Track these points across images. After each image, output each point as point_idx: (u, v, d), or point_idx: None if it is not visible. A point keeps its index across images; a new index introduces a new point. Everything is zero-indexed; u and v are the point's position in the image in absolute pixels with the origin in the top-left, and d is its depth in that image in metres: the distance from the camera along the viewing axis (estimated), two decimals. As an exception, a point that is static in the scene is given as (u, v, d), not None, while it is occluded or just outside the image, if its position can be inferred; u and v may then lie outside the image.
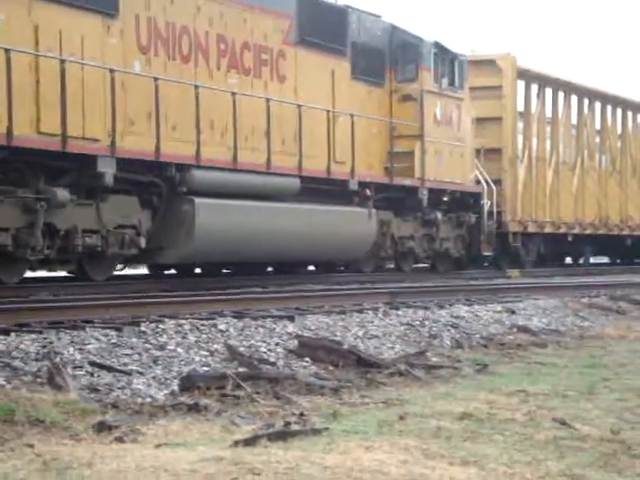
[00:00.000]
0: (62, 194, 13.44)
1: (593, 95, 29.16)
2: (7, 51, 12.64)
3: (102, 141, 14.04)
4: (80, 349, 8.03)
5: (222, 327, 9.61)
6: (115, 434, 5.75)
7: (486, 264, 25.43)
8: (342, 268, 21.45)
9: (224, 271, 19.76)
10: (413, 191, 20.54)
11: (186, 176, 15.30)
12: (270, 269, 20.71)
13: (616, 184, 30.47)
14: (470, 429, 6.05)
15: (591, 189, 28.92)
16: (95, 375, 7.42)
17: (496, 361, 9.70)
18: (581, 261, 31.28)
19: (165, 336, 8.92)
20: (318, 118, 18.04)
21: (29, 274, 15.00)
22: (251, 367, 8.17)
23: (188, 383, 7.44)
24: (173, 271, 19.38)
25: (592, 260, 32.18)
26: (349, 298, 13.27)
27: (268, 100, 16.80)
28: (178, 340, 8.84)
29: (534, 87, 26.45)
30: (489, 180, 22.97)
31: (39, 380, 7.07)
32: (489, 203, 22.78)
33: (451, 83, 21.47)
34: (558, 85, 27.43)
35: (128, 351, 8.23)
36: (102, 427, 5.90)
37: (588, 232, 28.65)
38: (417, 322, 11.58)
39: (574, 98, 28.38)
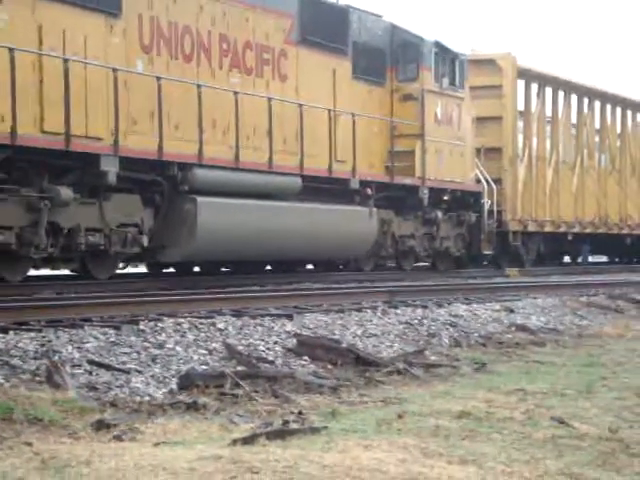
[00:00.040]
0: (65, 193, 13.47)
1: (593, 94, 29.17)
2: (11, 50, 12.65)
3: (105, 140, 14.07)
4: (79, 347, 8.02)
5: (221, 326, 9.61)
6: (113, 432, 5.75)
7: (486, 263, 25.45)
8: (341, 267, 21.47)
9: (223, 270, 19.77)
10: (414, 190, 20.55)
11: (188, 175, 15.33)
12: (269, 268, 20.72)
13: (615, 183, 30.49)
14: (468, 428, 6.06)
15: (591, 188, 28.93)
16: (94, 373, 7.42)
17: (494, 360, 9.70)
18: (579, 260, 31.28)
19: (164, 335, 8.91)
20: (319, 117, 18.04)
21: (33, 272, 15.02)
22: (250, 366, 8.17)
23: (187, 382, 7.43)
24: (172, 270, 19.39)
25: (590, 259, 32.18)
26: (348, 297, 13.27)
27: (270, 99, 16.81)
28: (177, 339, 8.83)
29: (534, 86, 26.45)
30: (489, 179, 22.97)
31: (38, 378, 7.06)
32: (489, 202, 22.78)
33: (452, 82, 21.48)
34: (558, 84, 27.43)
35: (127, 350, 8.23)
36: (101, 425, 5.90)
37: (588, 231, 28.67)
38: (416, 321, 11.58)
39: (574, 97, 28.40)
